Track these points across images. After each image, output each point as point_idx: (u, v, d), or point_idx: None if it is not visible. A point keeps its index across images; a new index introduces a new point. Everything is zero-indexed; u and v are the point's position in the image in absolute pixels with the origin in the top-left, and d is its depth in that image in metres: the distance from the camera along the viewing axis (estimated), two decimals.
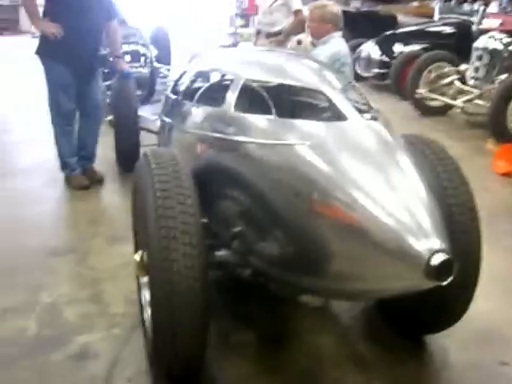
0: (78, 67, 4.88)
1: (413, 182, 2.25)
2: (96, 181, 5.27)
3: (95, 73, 5.17)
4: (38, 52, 4.87)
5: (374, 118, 2.57)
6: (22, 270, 3.75)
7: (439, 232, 2.09)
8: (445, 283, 2.04)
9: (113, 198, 5.11)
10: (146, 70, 7.47)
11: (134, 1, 10.56)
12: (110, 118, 5.40)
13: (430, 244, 2.03)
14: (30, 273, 3.71)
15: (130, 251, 3.81)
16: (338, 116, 2.57)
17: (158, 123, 5.12)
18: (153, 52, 7.95)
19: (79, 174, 5.20)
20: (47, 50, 4.80)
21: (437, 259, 1.99)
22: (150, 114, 6.02)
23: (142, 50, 7.58)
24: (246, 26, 14.68)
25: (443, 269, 1.99)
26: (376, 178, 2.24)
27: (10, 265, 3.82)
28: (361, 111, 2.65)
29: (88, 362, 2.88)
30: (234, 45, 12.84)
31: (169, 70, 8.44)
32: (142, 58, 7.52)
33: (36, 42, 4.92)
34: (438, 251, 2.01)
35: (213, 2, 17.34)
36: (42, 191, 5.17)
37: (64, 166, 5.17)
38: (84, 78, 5.00)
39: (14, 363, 2.86)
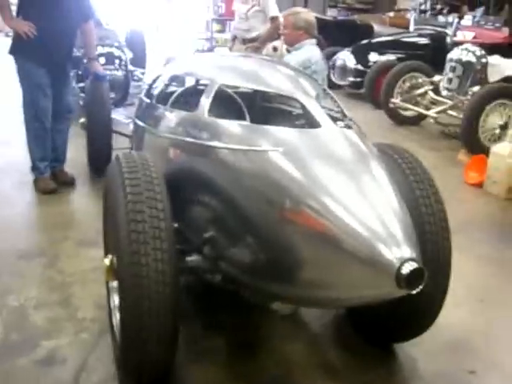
0: (52, 68, 4.82)
1: (385, 190, 2.25)
2: (67, 183, 5.21)
3: (68, 74, 5.12)
4: (11, 51, 4.80)
5: (348, 126, 2.58)
6: None
7: (410, 241, 2.10)
8: (415, 292, 2.05)
9: (83, 201, 5.04)
10: (120, 73, 7.40)
11: (109, 2, 10.49)
12: (82, 120, 5.32)
13: (400, 253, 2.04)
14: None
15: (99, 255, 3.77)
16: (312, 123, 2.57)
17: (131, 126, 5.11)
18: (128, 55, 7.89)
19: (47, 176, 5.10)
20: (20, 50, 4.73)
21: (407, 268, 2.00)
22: (123, 117, 5.99)
23: (116, 52, 7.51)
24: (223, 31, 14.66)
25: (413, 277, 2.00)
26: (348, 186, 2.24)
27: None
28: (334, 119, 2.65)
29: (55, 367, 2.84)
30: (210, 50, 12.84)
31: (143, 73, 8.38)
32: (117, 61, 7.45)
33: (9, 42, 4.85)
34: (408, 260, 2.02)
35: (189, 7, 17.33)
36: (11, 193, 5.07)
37: (34, 168, 5.08)
38: (57, 79, 4.93)
39: None
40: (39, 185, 5.04)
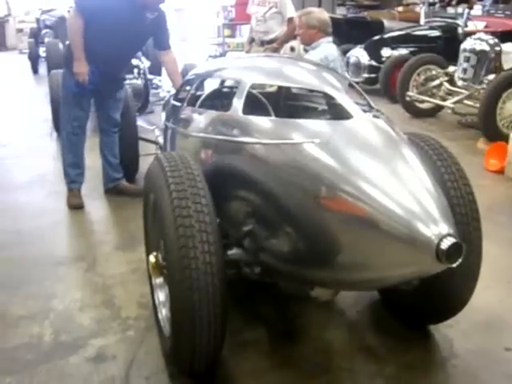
0: (102, 92, 4.91)
1: (418, 173, 2.35)
2: (136, 194, 4.95)
3: (119, 97, 5.13)
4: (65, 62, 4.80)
5: (377, 117, 2.67)
6: (31, 280, 3.80)
7: (446, 218, 2.20)
8: (455, 265, 2.15)
9: (113, 208, 5.15)
10: (139, 82, 7.57)
11: None
12: None
13: (438, 229, 2.14)
14: (39, 282, 3.77)
15: (136, 258, 3.94)
16: (343, 115, 2.67)
17: (156, 132, 5.24)
18: (145, 63, 8.04)
19: (77, 188, 5.12)
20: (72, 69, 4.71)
21: (446, 243, 2.10)
22: (146, 124, 6.13)
23: (134, 61, 7.66)
24: (233, 36, 14.79)
25: (453, 252, 2.10)
26: (383, 170, 2.34)
27: (19, 276, 3.87)
28: (363, 110, 2.75)
29: (106, 363, 2.96)
30: (223, 54, 12.96)
31: (160, 80, 8.53)
32: (136, 70, 7.61)
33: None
34: (446, 235, 2.12)
35: (200, 13, 17.50)
36: (45, 203, 5.22)
37: (65, 174, 5.10)
38: (106, 101, 5.03)
39: (34, 367, 2.93)
40: (68, 199, 5.08)
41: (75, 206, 5.03)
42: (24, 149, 7.05)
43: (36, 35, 13.93)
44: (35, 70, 13.34)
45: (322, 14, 5.00)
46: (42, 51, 12.80)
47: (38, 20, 14.51)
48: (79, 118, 4.90)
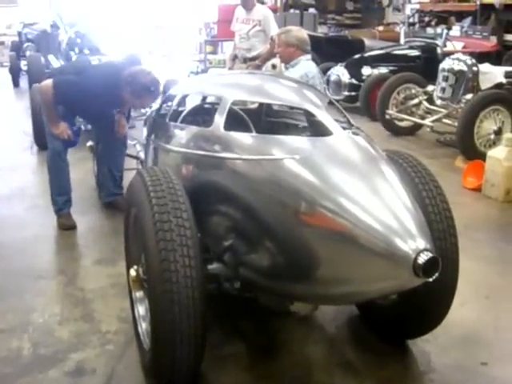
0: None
1: (397, 189, 2.40)
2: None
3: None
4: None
5: (356, 134, 2.72)
6: (11, 294, 3.79)
7: (423, 233, 2.26)
8: (432, 279, 2.20)
9: (95, 222, 5.14)
10: None
11: (106, 29, 10.67)
12: (90, 143, 5.47)
13: (415, 244, 2.20)
14: (19, 295, 3.76)
15: (117, 272, 3.94)
16: (323, 131, 2.71)
17: (138, 147, 5.26)
18: None
19: (66, 214, 4.98)
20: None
21: (423, 258, 2.15)
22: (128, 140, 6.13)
23: None
24: (215, 52, 14.86)
25: (429, 266, 2.15)
26: (362, 187, 2.39)
27: None
28: (343, 127, 2.80)
29: (85, 377, 2.96)
30: (204, 71, 13.00)
31: None
32: None
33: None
34: (423, 250, 2.18)
35: (182, 29, 17.58)
36: (25, 216, 5.20)
37: (52, 201, 4.99)
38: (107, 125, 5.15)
39: (12, 381, 2.92)
40: (59, 223, 4.96)
41: (67, 228, 4.92)
42: (4, 162, 7.00)
43: (17, 48, 13.86)
44: (16, 84, 13.28)
45: (300, 33, 5.07)
46: (23, 64, 12.76)
47: (19, 33, 14.45)
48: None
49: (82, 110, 4.87)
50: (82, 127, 6.20)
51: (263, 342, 3.28)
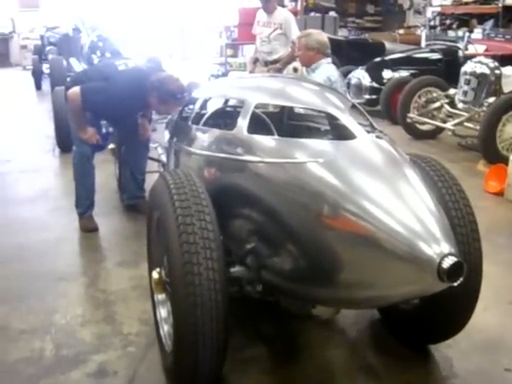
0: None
1: (420, 193, 2.39)
2: None
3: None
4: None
5: (380, 137, 2.71)
6: (34, 295, 3.83)
7: (448, 237, 2.24)
8: (456, 284, 2.18)
9: (117, 224, 5.19)
10: None
11: (127, 33, 10.76)
12: (111, 146, 5.51)
13: (440, 248, 2.18)
14: (41, 297, 3.79)
15: (138, 274, 3.96)
16: (346, 135, 2.71)
17: (159, 150, 5.29)
18: None
19: (88, 216, 5.00)
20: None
21: (447, 262, 2.14)
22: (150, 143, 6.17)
23: None
24: (235, 55, 14.89)
25: (454, 270, 2.14)
26: (385, 190, 2.38)
27: (21, 290, 3.89)
28: (366, 131, 2.79)
29: (107, 378, 2.97)
30: (225, 74, 13.03)
31: None
32: None
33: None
34: (448, 255, 2.16)
35: (203, 33, 17.68)
36: (47, 219, 5.25)
37: (77, 204, 5.01)
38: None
39: (35, 382, 2.95)
40: (81, 224, 4.98)
41: (90, 230, 4.95)
42: (27, 164, 7.09)
43: (40, 52, 14.04)
44: (38, 87, 13.44)
45: (321, 36, 5.06)
46: (45, 68, 12.91)
47: (42, 37, 14.61)
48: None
49: (108, 115, 4.92)
50: (108, 130, 6.27)
51: (284, 346, 3.27)
